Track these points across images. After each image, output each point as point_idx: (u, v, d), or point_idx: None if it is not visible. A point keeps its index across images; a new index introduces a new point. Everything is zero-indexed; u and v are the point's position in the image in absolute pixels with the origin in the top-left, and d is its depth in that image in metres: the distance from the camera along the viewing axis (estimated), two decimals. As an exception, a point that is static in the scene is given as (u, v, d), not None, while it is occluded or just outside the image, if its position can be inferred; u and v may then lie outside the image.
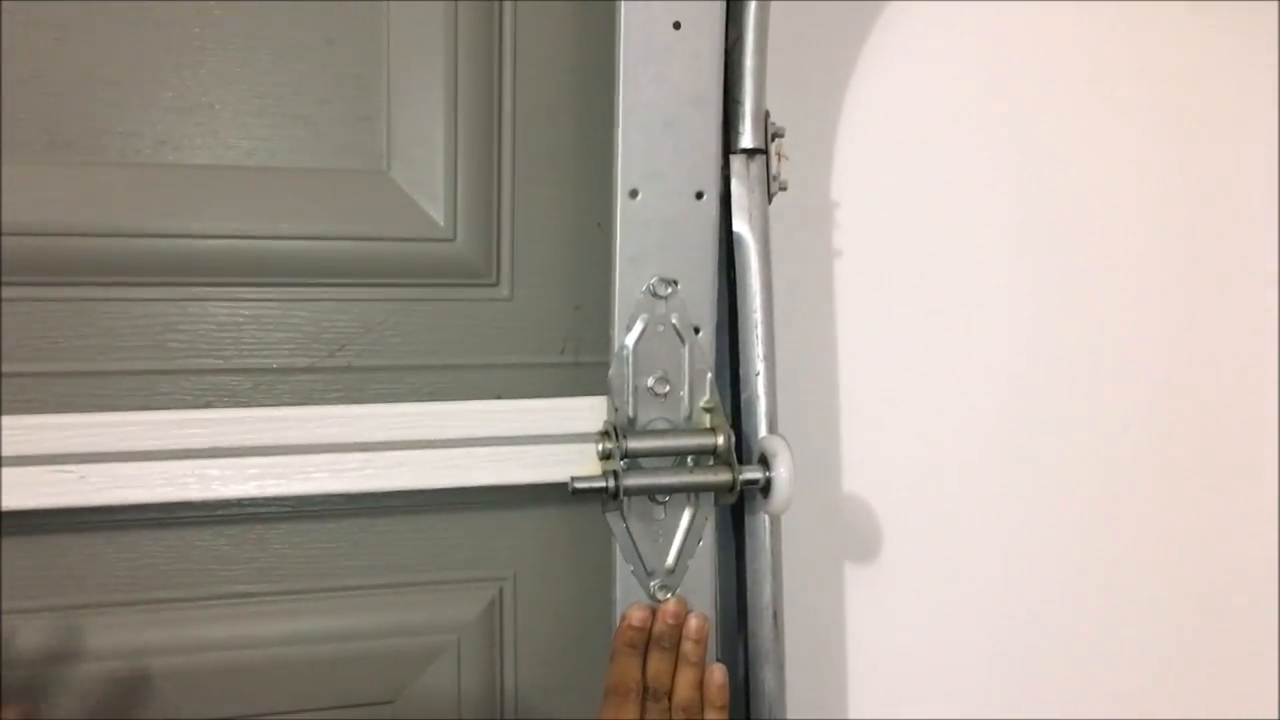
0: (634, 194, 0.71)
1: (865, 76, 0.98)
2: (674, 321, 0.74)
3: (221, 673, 0.73)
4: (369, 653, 0.75)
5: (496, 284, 0.78)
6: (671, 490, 0.76)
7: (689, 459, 0.75)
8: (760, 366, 0.77)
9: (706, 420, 0.76)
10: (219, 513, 0.74)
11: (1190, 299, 1.08)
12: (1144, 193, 1.07)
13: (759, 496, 0.74)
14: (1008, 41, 1.03)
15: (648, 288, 0.72)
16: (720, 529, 0.79)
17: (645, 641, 0.73)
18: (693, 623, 0.74)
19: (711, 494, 0.77)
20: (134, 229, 0.70)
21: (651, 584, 0.75)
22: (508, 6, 0.75)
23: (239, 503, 0.74)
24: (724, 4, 0.72)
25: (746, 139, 0.78)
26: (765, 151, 0.79)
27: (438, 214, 0.75)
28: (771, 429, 0.77)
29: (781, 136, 0.80)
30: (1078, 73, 1.06)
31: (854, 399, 0.97)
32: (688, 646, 0.73)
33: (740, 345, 0.78)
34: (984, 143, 1.01)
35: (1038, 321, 1.03)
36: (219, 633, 0.74)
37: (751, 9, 0.77)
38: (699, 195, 0.73)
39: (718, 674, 0.73)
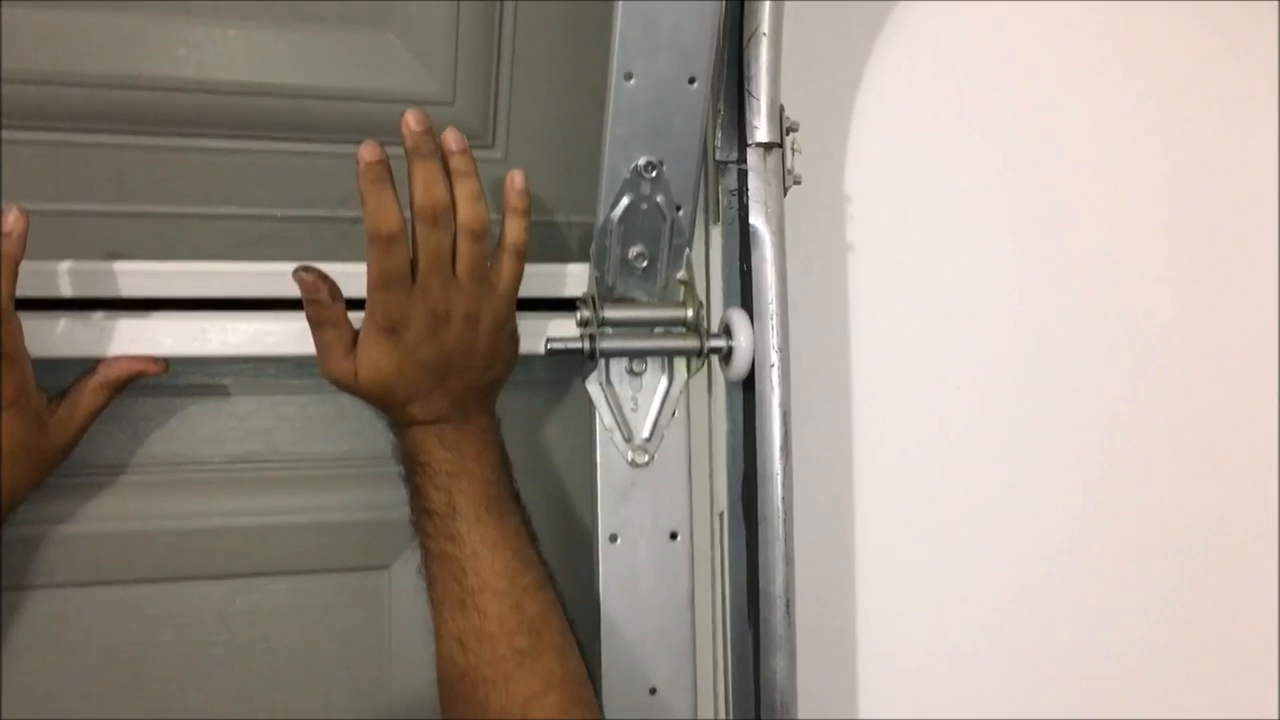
0: (628, 77, 0.73)
1: (877, 73, 0.99)
2: (658, 200, 0.77)
3: (221, 533, 0.80)
4: (364, 521, 0.82)
5: (492, 146, 0.81)
6: (645, 354, 0.83)
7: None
8: (775, 358, 0.80)
9: (680, 294, 0.82)
10: (214, 376, 0.81)
11: (1202, 297, 1.10)
12: (1153, 188, 1.09)
13: (725, 367, 0.82)
14: (1018, 40, 1.04)
15: (635, 168, 0.75)
16: (733, 517, 0.85)
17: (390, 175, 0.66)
18: (449, 137, 0.68)
19: (685, 361, 0.84)
20: (136, 79, 0.73)
21: (629, 452, 0.83)
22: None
23: (241, 361, 0.80)
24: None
25: (762, 133, 0.80)
26: (780, 145, 0.81)
27: (438, 78, 0.77)
28: (785, 420, 0.80)
29: (796, 131, 0.81)
30: (1088, 70, 1.07)
31: (866, 391, 0.99)
32: (455, 161, 0.67)
33: (755, 336, 0.80)
34: (994, 139, 1.03)
35: (1046, 315, 1.05)
36: (217, 498, 0.80)
37: (767, 6, 0.78)
38: (691, 80, 0.74)
39: (518, 177, 0.71)
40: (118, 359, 0.75)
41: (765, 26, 0.79)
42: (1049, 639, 1.07)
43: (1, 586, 0.76)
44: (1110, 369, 1.07)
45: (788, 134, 0.82)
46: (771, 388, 0.80)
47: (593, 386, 0.83)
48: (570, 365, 0.85)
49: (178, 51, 0.74)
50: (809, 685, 0.83)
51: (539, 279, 0.80)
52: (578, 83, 0.81)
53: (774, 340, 0.80)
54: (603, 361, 0.82)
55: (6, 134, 0.73)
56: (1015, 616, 1.06)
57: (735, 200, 0.83)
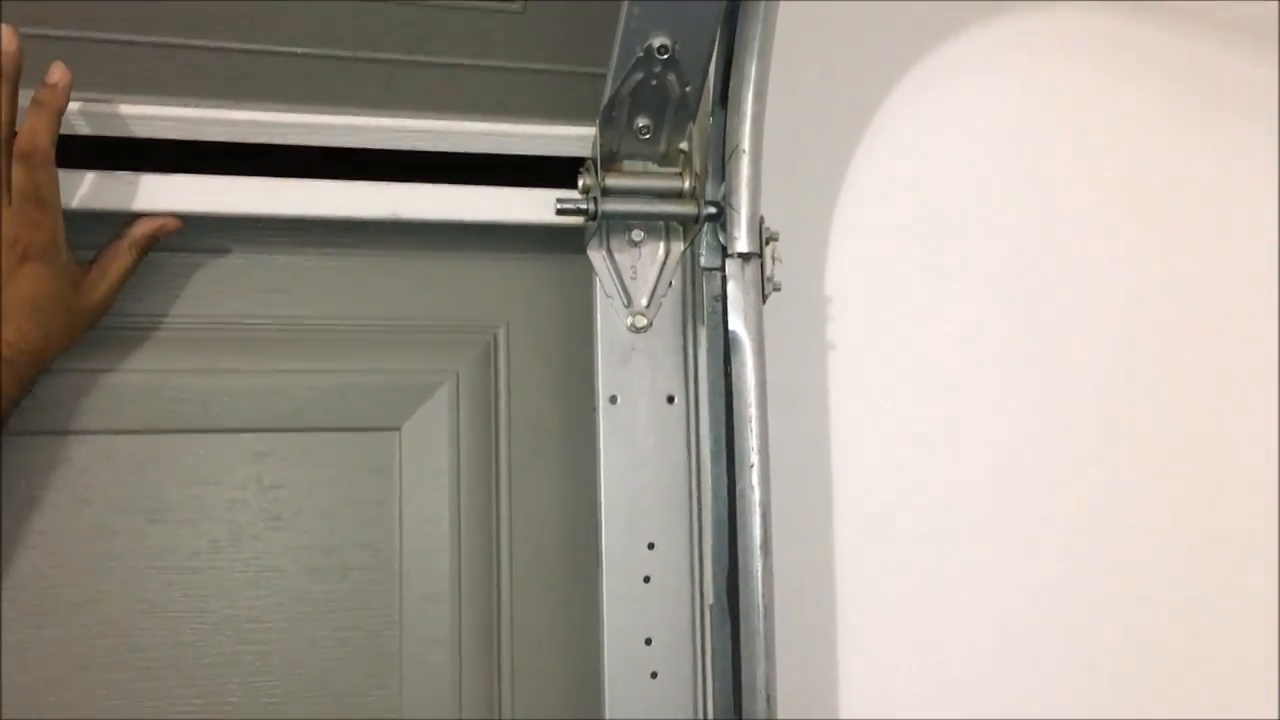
0: (648, -45, 0.76)
1: (858, 177, 1.04)
2: (669, 79, 0.80)
3: (244, 390, 0.84)
4: (375, 385, 0.86)
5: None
6: (644, 217, 0.87)
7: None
8: (754, 459, 0.83)
9: (680, 162, 0.86)
10: (234, 237, 0.84)
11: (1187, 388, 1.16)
12: (1131, 281, 1.14)
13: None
14: (994, 143, 1.10)
15: (649, 48, 0.78)
16: (718, 610, 0.88)
17: None
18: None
19: (682, 233, 0.88)
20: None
21: (629, 317, 0.87)
22: None
23: (260, 220, 0.82)
24: None
25: (741, 244, 0.84)
26: (759, 255, 0.85)
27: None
28: (765, 518, 0.84)
29: (775, 240, 0.86)
30: (1065, 172, 1.13)
31: (848, 490, 1.03)
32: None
33: (734, 438, 0.85)
34: (973, 240, 1.08)
35: (1026, 407, 1.09)
36: (238, 356, 0.84)
37: (747, 126, 0.83)
38: None
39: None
40: (141, 219, 0.78)
41: (745, 144, 0.84)
42: (1037, 653, 1.09)
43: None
44: (1097, 464, 1.12)
45: (767, 244, 0.86)
46: (751, 487, 0.84)
47: (594, 254, 0.87)
48: (572, 238, 0.89)
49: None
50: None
51: (549, 140, 0.85)
52: None
53: (754, 442, 0.84)
54: (604, 230, 0.87)
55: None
56: (1001, 630, 1.08)
57: (719, 305, 0.87)
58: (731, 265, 0.86)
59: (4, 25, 0.68)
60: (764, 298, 0.87)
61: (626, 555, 0.86)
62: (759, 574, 0.84)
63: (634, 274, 0.88)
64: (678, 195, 0.86)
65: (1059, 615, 1.10)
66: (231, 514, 0.83)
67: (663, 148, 0.85)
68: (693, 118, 0.84)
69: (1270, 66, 1.21)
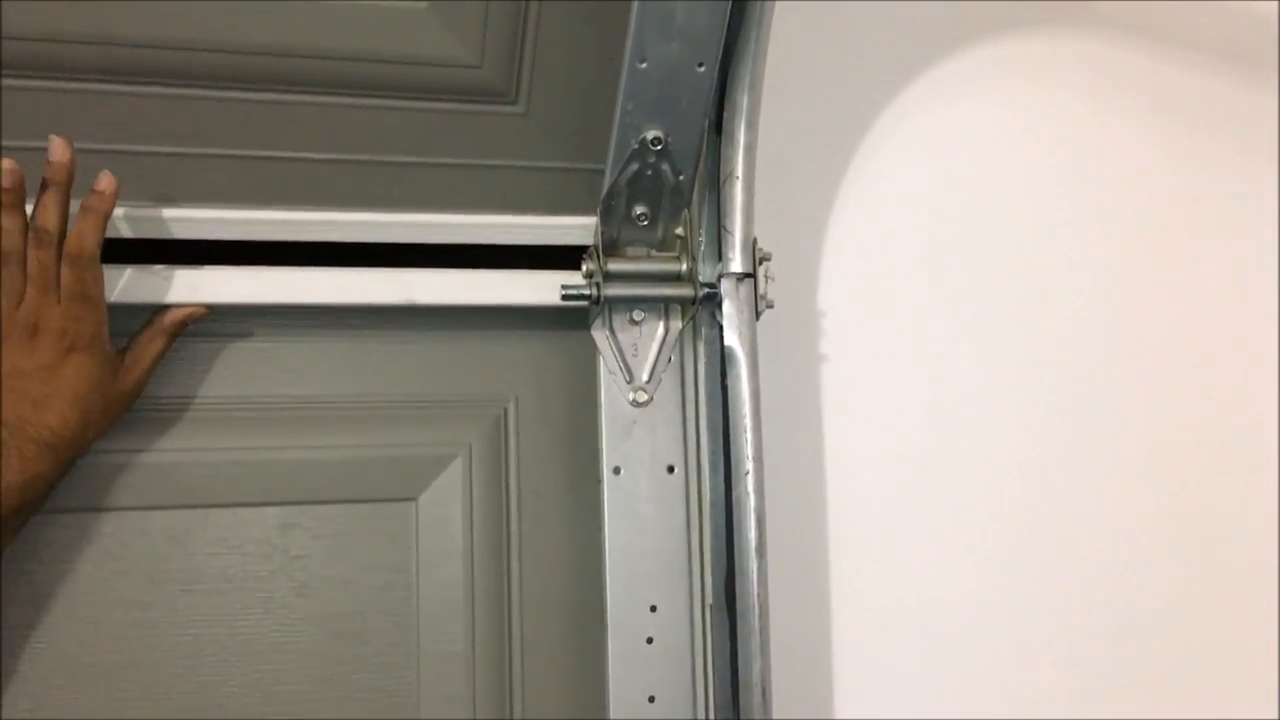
0: (641, 60, 0.81)
1: (850, 199, 1.10)
2: (663, 168, 0.86)
3: (268, 466, 0.89)
4: (392, 458, 0.92)
5: (515, 103, 0.89)
6: (644, 300, 0.92)
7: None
8: (749, 466, 0.89)
9: (676, 247, 0.92)
10: (259, 323, 0.90)
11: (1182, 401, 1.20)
12: (1126, 310, 1.18)
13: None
14: (984, 164, 1.15)
15: (643, 140, 0.84)
16: (716, 609, 0.93)
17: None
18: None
19: (680, 312, 0.94)
20: (193, 42, 0.81)
21: (630, 393, 0.92)
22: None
23: (283, 309, 0.89)
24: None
25: (736, 264, 0.90)
26: (753, 275, 0.90)
27: (468, 43, 0.86)
28: (760, 523, 0.89)
29: (769, 260, 0.91)
30: (1051, 191, 1.17)
31: (842, 494, 1.08)
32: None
33: (730, 447, 0.90)
34: (961, 255, 1.13)
35: (1015, 411, 1.14)
36: (263, 435, 0.90)
37: (740, 154, 0.88)
38: (699, 65, 0.82)
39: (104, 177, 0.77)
40: (170, 308, 0.83)
41: (739, 171, 0.89)
42: (1038, 654, 1.13)
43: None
44: (1074, 475, 1.15)
45: (760, 264, 0.91)
46: (747, 493, 0.89)
47: (598, 333, 0.92)
48: (577, 317, 0.94)
49: (229, 19, 0.81)
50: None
51: (553, 230, 0.91)
52: (595, 45, 0.88)
53: (749, 450, 0.89)
54: (606, 311, 0.92)
55: (82, 86, 0.81)
56: (1004, 637, 1.12)
57: (716, 321, 0.92)
58: (727, 284, 0.91)
59: (57, 138, 0.74)
60: (757, 314, 0.92)
61: (630, 617, 0.91)
62: (754, 575, 0.88)
63: (635, 351, 0.93)
64: (676, 278, 0.91)
65: (1049, 616, 1.13)
66: (259, 584, 0.88)
67: (660, 234, 0.91)
68: (687, 204, 0.90)
69: (1254, 89, 1.24)
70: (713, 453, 0.94)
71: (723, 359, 0.91)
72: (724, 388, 0.92)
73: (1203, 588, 1.18)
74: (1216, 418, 1.21)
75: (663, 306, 0.94)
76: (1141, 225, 1.20)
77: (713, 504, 0.94)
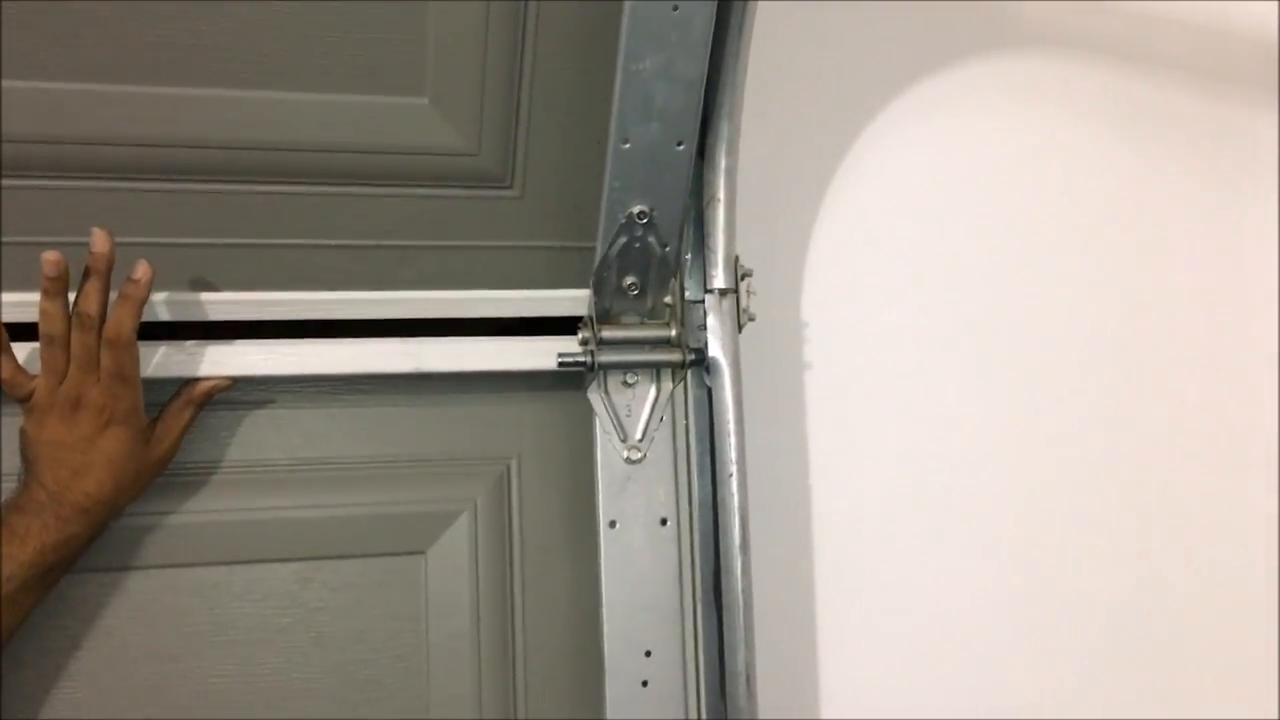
0: (625, 141, 0.88)
1: (832, 213, 1.16)
2: (649, 240, 0.93)
3: (287, 524, 0.96)
4: (403, 514, 0.98)
5: (511, 187, 0.96)
6: (636, 366, 0.99)
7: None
8: (733, 469, 0.95)
9: (665, 315, 0.99)
10: (278, 392, 0.96)
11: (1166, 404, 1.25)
12: (1104, 324, 1.23)
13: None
14: (963, 179, 1.20)
15: (629, 215, 0.91)
16: (705, 603, 1.00)
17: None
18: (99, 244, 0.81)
19: (670, 374, 1.00)
20: (202, 140, 0.89)
21: (625, 451, 0.99)
22: (532, 6, 0.89)
23: (300, 379, 0.96)
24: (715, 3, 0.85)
25: (719, 281, 0.97)
26: (735, 290, 0.97)
27: (465, 133, 0.93)
28: (744, 522, 0.95)
29: (750, 276, 0.98)
30: (1028, 204, 1.22)
31: (825, 500, 1.14)
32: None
33: (715, 449, 0.97)
34: (940, 266, 1.19)
35: (990, 421, 1.20)
36: (282, 495, 0.96)
37: (721, 179, 0.95)
38: (678, 144, 0.89)
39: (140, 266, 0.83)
40: (198, 380, 0.90)
41: (720, 194, 0.96)
42: (1033, 654, 1.18)
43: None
44: (1066, 469, 1.21)
45: (742, 279, 0.98)
46: (731, 494, 0.95)
47: (593, 396, 0.99)
48: (574, 380, 1.01)
49: (248, 120, 0.89)
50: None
51: (549, 303, 0.98)
52: (585, 132, 0.95)
53: (732, 454, 0.96)
54: (601, 374, 0.98)
55: (110, 183, 0.89)
56: (999, 631, 1.17)
57: (702, 334, 0.99)
58: (710, 300, 0.97)
59: (99, 230, 0.81)
60: (740, 327, 0.98)
61: (626, 662, 0.97)
62: (739, 571, 0.94)
63: (629, 412, 0.99)
64: (666, 343, 0.98)
65: (1034, 615, 1.18)
66: (281, 634, 0.95)
67: (650, 303, 0.97)
68: (674, 274, 0.97)
69: (1231, 105, 1.30)
70: (699, 455, 1.00)
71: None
72: (709, 395, 0.98)
73: (1201, 589, 1.21)
74: (1194, 423, 1.26)
75: (654, 369, 1.00)
76: (1122, 240, 1.25)
77: (701, 505, 0.99)
